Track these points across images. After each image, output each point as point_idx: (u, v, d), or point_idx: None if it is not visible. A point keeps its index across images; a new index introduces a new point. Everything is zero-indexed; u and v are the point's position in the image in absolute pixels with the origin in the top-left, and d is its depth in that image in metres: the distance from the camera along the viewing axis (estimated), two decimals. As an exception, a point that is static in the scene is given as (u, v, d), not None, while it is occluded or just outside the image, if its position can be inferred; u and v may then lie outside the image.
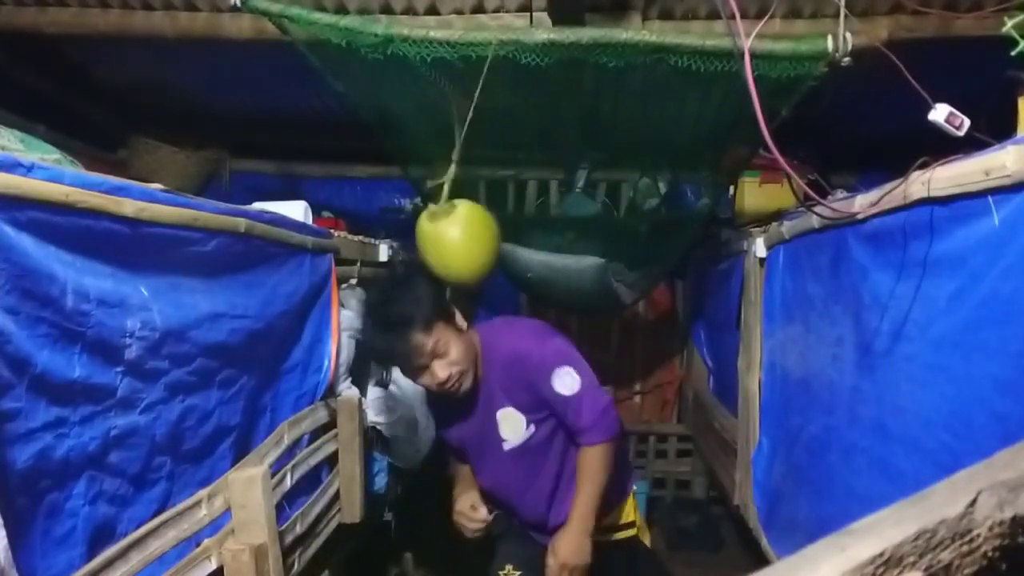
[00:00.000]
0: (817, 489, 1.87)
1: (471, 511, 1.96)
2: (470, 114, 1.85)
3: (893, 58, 1.54)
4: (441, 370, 1.82)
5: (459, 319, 1.91)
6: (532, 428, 1.95)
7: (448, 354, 1.83)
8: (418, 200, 3.80)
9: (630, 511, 2.06)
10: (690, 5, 2.45)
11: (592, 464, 1.87)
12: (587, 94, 2.36)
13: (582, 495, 1.87)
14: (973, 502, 0.53)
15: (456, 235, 1.99)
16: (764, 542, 2.28)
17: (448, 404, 2.02)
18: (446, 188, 2.08)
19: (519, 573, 2.01)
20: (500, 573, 2.01)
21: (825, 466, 1.80)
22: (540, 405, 1.92)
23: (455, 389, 1.85)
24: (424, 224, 2.05)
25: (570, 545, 1.84)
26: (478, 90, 1.80)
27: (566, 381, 1.87)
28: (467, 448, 2.07)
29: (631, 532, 2.06)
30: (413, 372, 1.86)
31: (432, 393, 2.01)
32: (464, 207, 2.05)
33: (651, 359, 4.59)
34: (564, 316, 4.53)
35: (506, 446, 1.96)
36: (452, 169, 2.07)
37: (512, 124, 2.51)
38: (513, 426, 1.95)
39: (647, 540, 2.10)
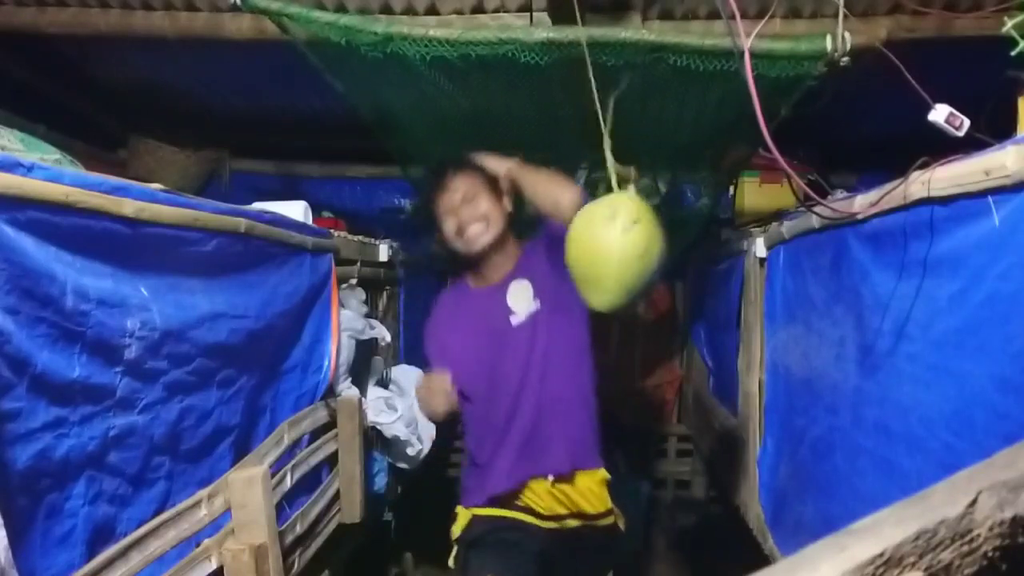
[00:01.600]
0: (822, 490, 1.87)
1: (437, 379, 1.94)
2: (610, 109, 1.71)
3: (893, 58, 1.54)
4: (465, 212, 1.96)
5: (507, 201, 2.01)
6: (538, 303, 1.97)
7: (476, 201, 1.96)
8: (418, 200, 3.80)
9: (606, 499, 2.05)
10: (690, 5, 2.45)
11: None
12: (587, 94, 2.36)
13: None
14: (973, 502, 0.53)
15: (637, 251, 1.49)
16: (770, 543, 2.28)
17: (453, 310, 2.12)
18: (613, 181, 1.60)
19: None
20: None
21: (830, 466, 1.80)
22: (550, 279, 1.94)
23: (472, 237, 1.96)
24: (614, 227, 1.49)
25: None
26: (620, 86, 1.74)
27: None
28: (465, 356, 2.03)
29: (609, 520, 2.06)
30: (443, 215, 2.00)
31: (443, 306, 2.16)
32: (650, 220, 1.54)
33: (651, 359, 4.59)
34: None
35: (513, 320, 1.97)
36: (610, 156, 1.61)
37: (512, 124, 2.51)
38: (522, 296, 1.99)
39: (621, 524, 2.12)
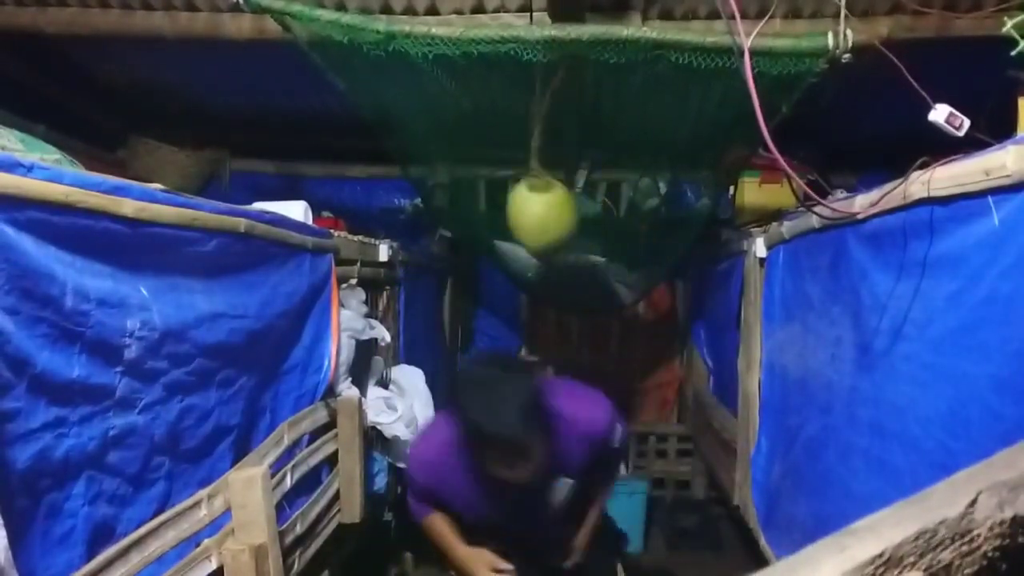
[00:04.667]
0: (816, 489, 1.87)
1: (490, 566, 1.89)
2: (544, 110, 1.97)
3: (893, 58, 1.54)
4: (520, 470, 1.68)
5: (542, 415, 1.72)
6: (572, 482, 1.92)
7: (532, 464, 1.69)
8: (418, 200, 3.80)
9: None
10: (690, 5, 2.45)
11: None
12: (588, 94, 2.37)
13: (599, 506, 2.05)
14: (973, 502, 0.53)
15: (542, 208, 2.70)
16: (762, 541, 2.28)
17: (485, 483, 1.81)
18: (534, 165, 2.62)
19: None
20: None
21: (824, 466, 1.80)
22: (589, 464, 1.92)
23: (521, 482, 1.71)
24: (522, 190, 2.69)
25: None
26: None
27: (618, 434, 1.98)
28: (484, 514, 1.93)
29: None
30: (494, 466, 1.71)
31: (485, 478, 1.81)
32: (561, 189, 2.72)
33: (651, 359, 4.59)
34: (564, 316, 4.53)
35: (549, 510, 1.92)
36: (535, 144, 2.51)
37: (512, 123, 2.51)
38: (563, 491, 1.91)
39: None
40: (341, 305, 2.28)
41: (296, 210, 2.19)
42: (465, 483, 1.84)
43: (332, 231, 2.34)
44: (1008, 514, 0.53)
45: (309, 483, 2.03)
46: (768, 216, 2.79)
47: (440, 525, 1.97)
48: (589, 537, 2.03)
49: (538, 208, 2.73)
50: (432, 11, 2.44)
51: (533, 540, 2.02)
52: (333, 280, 2.19)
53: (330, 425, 2.17)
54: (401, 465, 2.67)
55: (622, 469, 3.85)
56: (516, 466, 1.66)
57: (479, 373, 1.80)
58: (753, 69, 1.53)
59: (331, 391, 2.19)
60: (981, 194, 1.14)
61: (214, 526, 1.52)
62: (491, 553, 1.92)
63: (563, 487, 1.90)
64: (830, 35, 1.64)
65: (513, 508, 1.87)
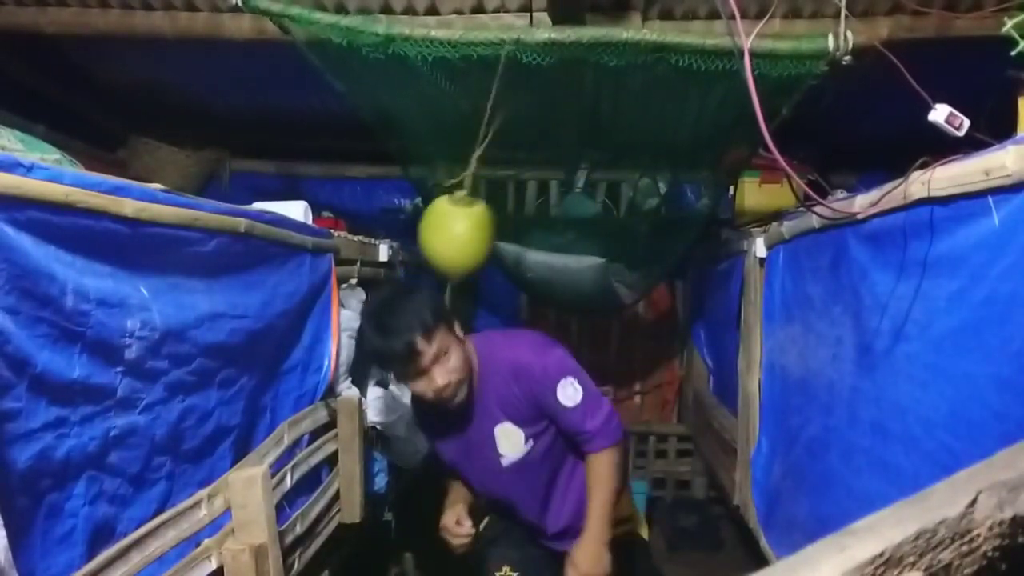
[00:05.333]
0: (816, 489, 1.87)
1: (455, 526, 1.95)
2: (488, 112, 1.88)
3: (893, 58, 1.54)
4: (440, 376, 1.76)
5: (458, 328, 1.86)
6: (531, 443, 1.93)
7: (448, 360, 1.78)
8: (418, 200, 3.80)
9: (625, 504, 2.06)
10: (690, 5, 2.45)
11: (601, 472, 1.86)
12: (587, 94, 2.37)
13: (596, 504, 1.86)
14: (973, 502, 0.53)
15: (466, 227, 2.28)
16: (763, 542, 2.28)
17: (439, 421, 1.98)
18: (468, 179, 2.27)
19: (516, 574, 2.01)
20: (496, 575, 2.01)
21: (824, 466, 1.80)
22: (539, 417, 1.91)
23: (449, 398, 1.80)
24: (442, 204, 2.30)
25: (588, 556, 1.83)
26: (494, 90, 1.80)
27: (568, 392, 1.85)
28: (459, 463, 2.05)
29: (626, 527, 2.06)
30: (409, 377, 1.80)
31: (422, 408, 1.98)
32: (483, 207, 2.33)
33: (651, 359, 4.59)
34: (564, 316, 4.53)
35: (504, 461, 1.95)
36: (473, 162, 2.21)
37: (512, 124, 2.51)
38: (512, 442, 1.93)
39: (645, 534, 2.11)
40: (341, 305, 2.28)
41: (296, 210, 2.19)
42: (446, 438, 2.02)
43: (332, 231, 2.34)
44: (1008, 514, 0.53)
45: (309, 483, 2.03)
46: (768, 216, 2.79)
47: (450, 484, 2.08)
48: (600, 532, 1.85)
49: (461, 227, 2.30)
50: (432, 11, 2.44)
51: (524, 510, 2.02)
52: (333, 280, 2.19)
53: (330, 425, 2.17)
54: (401, 465, 2.68)
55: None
56: (404, 341, 1.72)
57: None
58: (753, 71, 1.53)
59: (331, 391, 2.20)
60: (981, 194, 1.14)
61: (214, 526, 1.52)
62: (462, 511, 1.97)
63: (514, 436, 1.91)
64: (830, 37, 1.64)
65: (472, 455, 1.97)
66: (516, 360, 1.87)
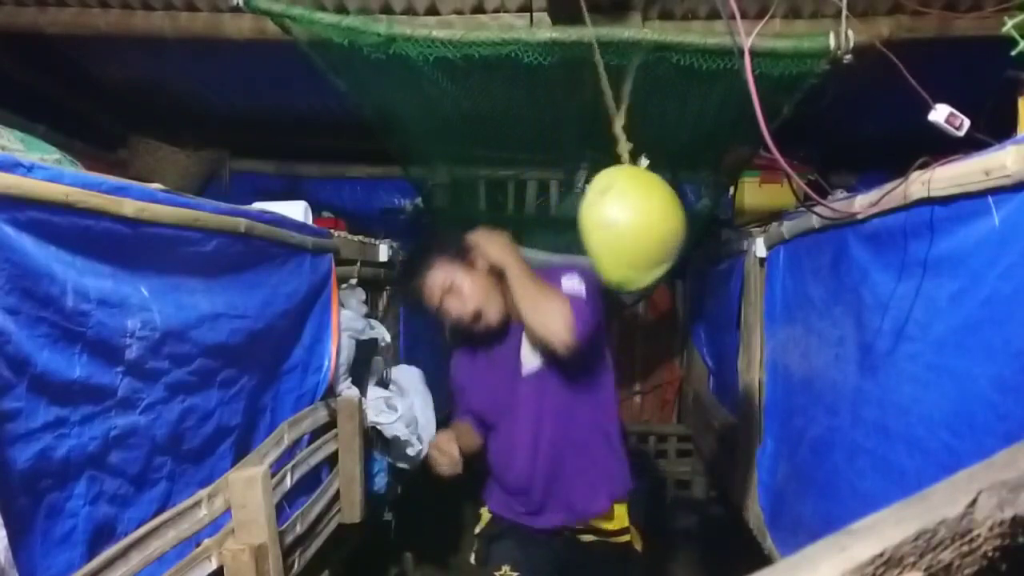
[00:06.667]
0: (822, 489, 1.87)
1: (446, 443, 1.95)
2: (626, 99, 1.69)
3: (893, 58, 1.54)
4: (453, 308, 1.89)
5: (481, 261, 1.90)
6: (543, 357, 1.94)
7: (459, 293, 1.88)
8: (418, 200, 3.80)
9: (623, 517, 2.06)
10: (690, 5, 2.45)
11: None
12: (587, 94, 2.36)
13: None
14: (973, 502, 0.53)
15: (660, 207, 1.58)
16: (768, 542, 2.28)
17: (472, 341, 2.06)
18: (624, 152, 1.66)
19: (516, 575, 2.01)
20: (496, 574, 2.01)
21: (829, 466, 1.80)
22: None
23: (471, 324, 1.91)
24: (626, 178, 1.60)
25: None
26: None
27: (571, 283, 1.86)
28: (478, 386, 2.06)
29: (625, 538, 2.06)
30: (432, 311, 1.95)
31: (459, 332, 2.07)
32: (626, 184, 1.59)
33: (651, 359, 4.59)
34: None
35: (524, 370, 1.95)
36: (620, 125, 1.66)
37: (512, 124, 2.51)
38: (532, 362, 1.96)
39: (639, 545, 2.10)
40: (341, 305, 2.28)
41: (296, 210, 2.19)
42: (470, 366, 2.07)
43: (332, 231, 2.34)
44: (1008, 514, 0.53)
45: (309, 483, 2.03)
46: (768, 216, 2.79)
47: (458, 426, 2.08)
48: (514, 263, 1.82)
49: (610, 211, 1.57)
50: (432, 11, 2.44)
51: (522, 448, 1.99)
52: (333, 280, 2.20)
53: (330, 425, 2.17)
54: (401, 465, 2.68)
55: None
56: (430, 287, 1.87)
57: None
58: (754, 70, 1.53)
59: (331, 391, 2.20)
60: (981, 194, 1.14)
61: (214, 526, 1.52)
62: (453, 436, 1.99)
63: (530, 353, 1.94)
64: (831, 35, 1.64)
65: (496, 370, 1.99)
66: (547, 273, 1.93)
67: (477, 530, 2.10)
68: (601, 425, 2.00)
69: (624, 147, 1.64)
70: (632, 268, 1.61)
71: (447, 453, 1.94)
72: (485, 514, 2.10)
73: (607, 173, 1.60)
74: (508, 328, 1.99)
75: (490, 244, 1.88)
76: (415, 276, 1.93)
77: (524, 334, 1.95)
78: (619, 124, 1.68)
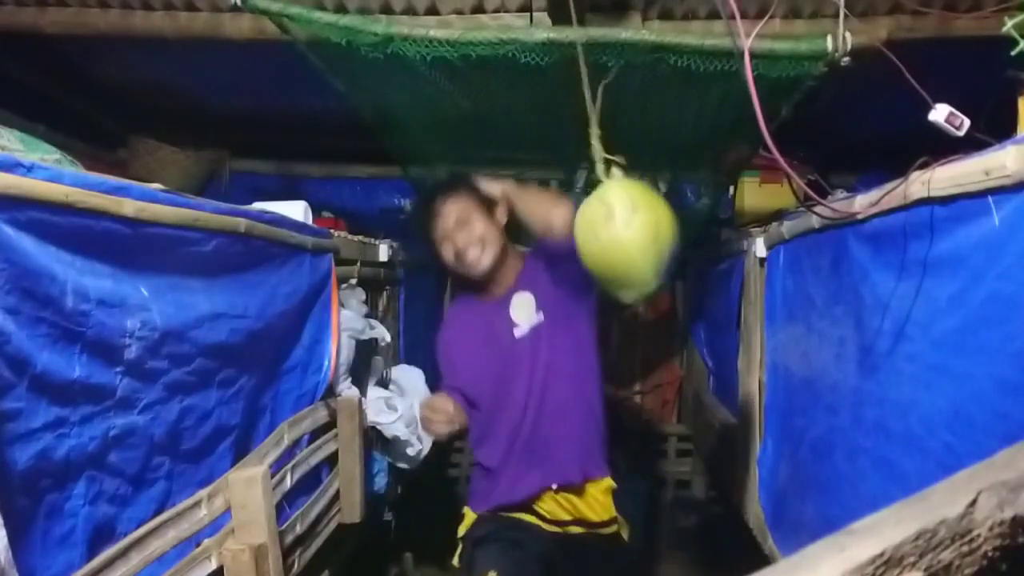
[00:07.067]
0: (823, 490, 1.87)
1: (441, 401, 1.97)
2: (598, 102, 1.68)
3: (893, 58, 1.54)
4: (460, 239, 1.95)
5: (500, 214, 1.99)
6: (541, 315, 1.97)
7: (471, 229, 1.95)
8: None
9: (610, 507, 2.05)
10: (690, 5, 2.45)
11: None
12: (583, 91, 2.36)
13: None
14: (973, 502, 0.53)
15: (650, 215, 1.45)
16: (769, 542, 2.28)
17: (463, 323, 2.13)
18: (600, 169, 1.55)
19: None
20: None
21: (830, 467, 1.80)
22: (555, 288, 1.96)
23: (471, 263, 1.96)
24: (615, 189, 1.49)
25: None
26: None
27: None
28: (473, 356, 2.07)
29: (613, 528, 2.05)
30: (438, 241, 2.00)
31: (458, 315, 2.17)
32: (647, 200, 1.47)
33: (651, 359, 4.59)
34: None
35: (517, 332, 1.98)
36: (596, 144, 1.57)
37: (512, 124, 2.51)
38: (525, 309, 1.99)
39: (625, 534, 2.10)
40: (341, 305, 2.28)
41: (296, 210, 2.19)
42: (462, 340, 2.10)
43: (332, 231, 2.34)
44: (1008, 514, 0.53)
45: (309, 483, 2.03)
46: (768, 216, 2.79)
47: (438, 397, 2.07)
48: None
49: (647, 229, 1.43)
50: (432, 11, 2.44)
51: (514, 408, 1.99)
52: (333, 280, 2.20)
53: (330, 425, 2.18)
54: (401, 465, 2.68)
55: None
56: (444, 215, 1.96)
57: None
58: (753, 71, 1.53)
59: (331, 391, 2.20)
60: (981, 194, 1.14)
61: (214, 526, 1.52)
62: (447, 395, 2.01)
63: (527, 304, 1.99)
64: (829, 38, 1.64)
65: (491, 336, 2.02)
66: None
67: (461, 532, 2.07)
68: (586, 395, 2.01)
69: (599, 155, 1.57)
70: (647, 284, 1.50)
71: (441, 410, 1.94)
72: (469, 514, 2.08)
73: (618, 188, 1.49)
74: (499, 298, 2.02)
75: (496, 181, 2.00)
76: (430, 206, 2.00)
77: (513, 298, 1.99)
78: (595, 132, 1.62)
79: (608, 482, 2.02)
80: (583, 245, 1.51)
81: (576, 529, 2.01)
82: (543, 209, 1.84)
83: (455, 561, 2.06)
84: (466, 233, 1.96)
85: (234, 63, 3.01)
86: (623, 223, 1.42)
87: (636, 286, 1.51)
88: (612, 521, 2.04)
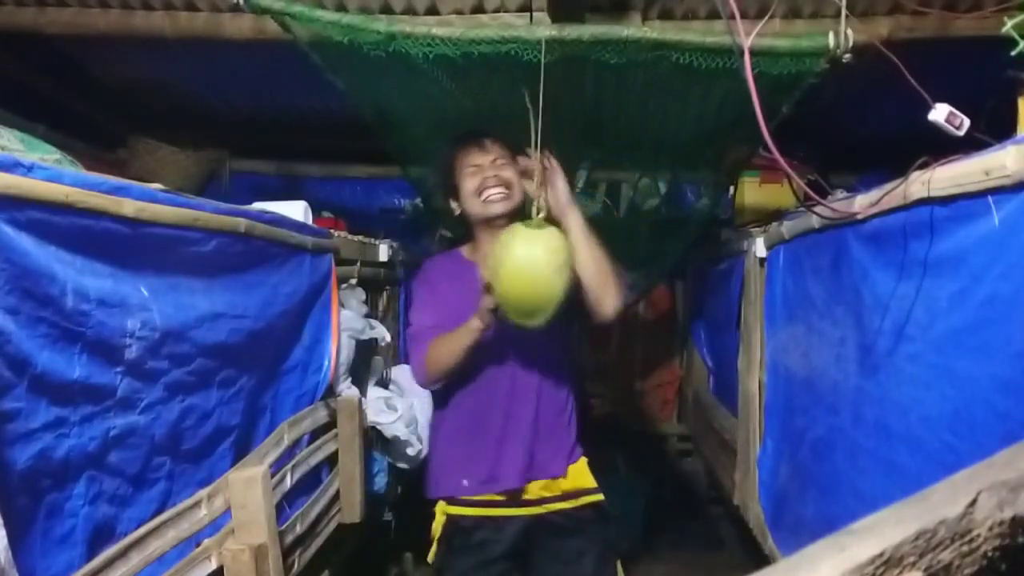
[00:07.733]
0: (823, 490, 1.87)
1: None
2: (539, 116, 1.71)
3: (893, 57, 1.54)
4: (491, 170, 1.93)
5: (526, 186, 1.92)
6: None
7: (507, 167, 1.94)
8: (418, 200, 3.81)
9: (588, 477, 2.04)
10: (690, 5, 2.45)
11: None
12: (588, 93, 2.37)
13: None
14: (973, 502, 0.53)
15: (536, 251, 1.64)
16: (770, 543, 2.28)
17: (456, 275, 2.00)
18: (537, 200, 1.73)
19: None
20: None
21: (830, 467, 1.80)
22: None
23: (494, 198, 1.92)
24: (520, 232, 1.67)
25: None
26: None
27: None
28: (461, 320, 1.96)
29: (598, 497, 2.04)
30: (466, 167, 1.95)
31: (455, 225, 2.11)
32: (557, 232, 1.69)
33: (651, 359, 4.59)
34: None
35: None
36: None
37: (512, 123, 2.50)
38: None
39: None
40: (341, 305, 2.28)
41: (296, 210, 2.19)
42: (452, 284, 1.99)
43: (332, 231, 2.34)
44: (1008, 514, 0.53)
45: (309, 483, 2.03)
46: (768, 216, 2.79)
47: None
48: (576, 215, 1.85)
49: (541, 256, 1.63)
50: (432, 11, 2.44)
51: (500, 393, 1.95)
52: (333, 280, 2.20)
53: (330, 425, 2.18)
54: (401, 465, 2.68)
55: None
56: (487, 149, 1.95)
57: None
58: (753, 69, 1.53)
59: (331, 391, 2.20)
60: (981, 194, 1.14)
61: (214, 526, 1.52)
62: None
63: None
64: (831, 35, 1.64)
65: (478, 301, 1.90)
66: None
67: (437, 533, 2.00)
68: (567, 385, 2.01)
69: (537, 192, 1.76)
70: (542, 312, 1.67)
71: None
72: (440, 512, 2.00)
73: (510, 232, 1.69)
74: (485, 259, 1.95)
75: (562, 188, 1.85)
76: (475, 137, 1.98)
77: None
78: (535, 155, 1.76)
79: (583, 460, 2.03)
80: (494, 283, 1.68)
81: (560, 505, 1.98)
82: (602, 286, 1.79)
83: (429, 558, 2.02)
84: (501, 171, 1.93)
85: (234, 63, 3.01)
86: (507, 263, 1.64)
87: (534, 315, 1.67)
88: (596, 490, 2.02)
